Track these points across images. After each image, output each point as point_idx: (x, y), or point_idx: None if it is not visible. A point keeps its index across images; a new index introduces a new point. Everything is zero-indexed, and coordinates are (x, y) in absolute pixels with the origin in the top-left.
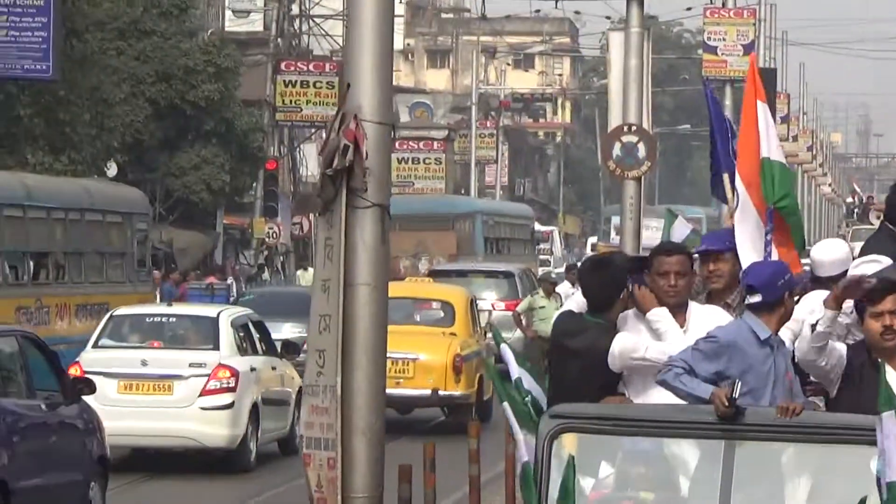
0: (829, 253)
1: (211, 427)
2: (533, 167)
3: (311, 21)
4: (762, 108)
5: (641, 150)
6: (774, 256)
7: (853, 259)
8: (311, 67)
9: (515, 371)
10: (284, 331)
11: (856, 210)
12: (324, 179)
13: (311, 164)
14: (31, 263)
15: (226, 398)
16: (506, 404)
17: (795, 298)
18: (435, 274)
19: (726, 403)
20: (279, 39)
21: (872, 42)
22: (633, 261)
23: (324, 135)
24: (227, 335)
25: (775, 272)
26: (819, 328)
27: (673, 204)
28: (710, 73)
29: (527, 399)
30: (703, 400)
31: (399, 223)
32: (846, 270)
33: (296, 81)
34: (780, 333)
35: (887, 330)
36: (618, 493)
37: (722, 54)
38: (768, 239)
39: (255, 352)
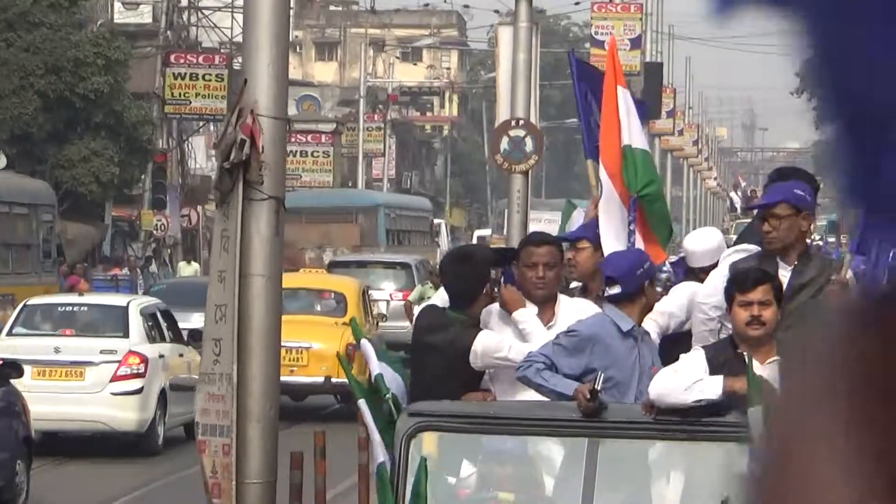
0: (700, 243)
1: (121, 412)
2: (420, 160)
3: (199, 13)
4: (623, 94)
5: (529, 145)
6: (639, 246)
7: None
8: (200, 60)
9: (375, 367)
10: (194, 320)
11: (739, 204)
12: (221, 172)
13: (199, 156)
14: None
15: (135, 384)
16: (361, 402)
17: (660, 290)
18: (335, 265)
19: (588, 397)
20: (168, 32)
21: (758, 36)
22: (498, 253)
23: (212, 127)
24: (136, 323)
25: (633, 262)
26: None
27: (559, 198)
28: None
29: (387, 396)
30: (566, 396)
31: (305, 216)
32: (718, 261)
33: (185, 74)
34: (646, 326)
35: (754, 320)
36: (479, 493)
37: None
38: (631, 229)
39: (163, 339)
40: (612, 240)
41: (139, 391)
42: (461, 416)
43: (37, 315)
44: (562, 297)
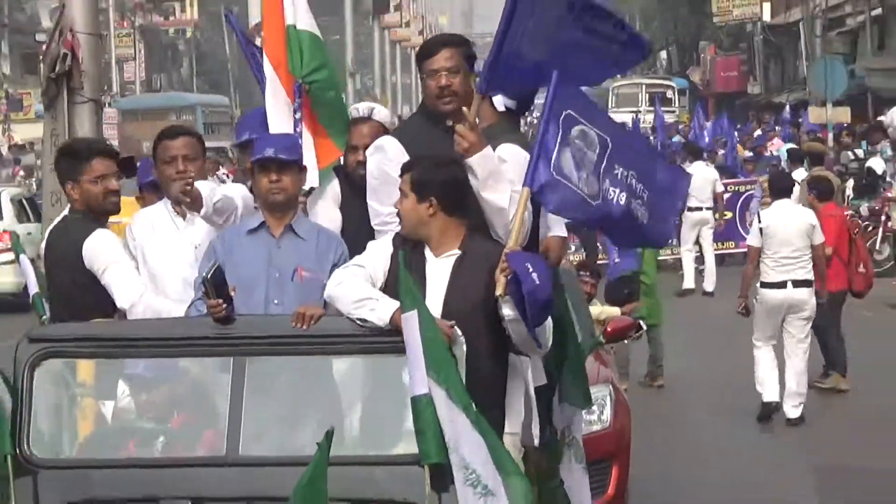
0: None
1: (2, 277)
2: (166, 62)
3: None
4: None
5: None
6: (307, 138)
7: None
8: None
9: (33, 286)
10: None
11: None
12: (48, 82)
13: None
14: None
15: (9, 255)
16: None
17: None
18: None
19: (220, 310)
20: None
21: None
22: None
23: None
24: (7, 208)
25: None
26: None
27: None
28: None
29: (44, 318)
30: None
31: (141, 115)
32: None
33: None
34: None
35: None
36: (121, 422)
37: None
38: (297, 118)
39: (29, 220)
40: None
41: (12, 261)
42: (91, 340)
43: None
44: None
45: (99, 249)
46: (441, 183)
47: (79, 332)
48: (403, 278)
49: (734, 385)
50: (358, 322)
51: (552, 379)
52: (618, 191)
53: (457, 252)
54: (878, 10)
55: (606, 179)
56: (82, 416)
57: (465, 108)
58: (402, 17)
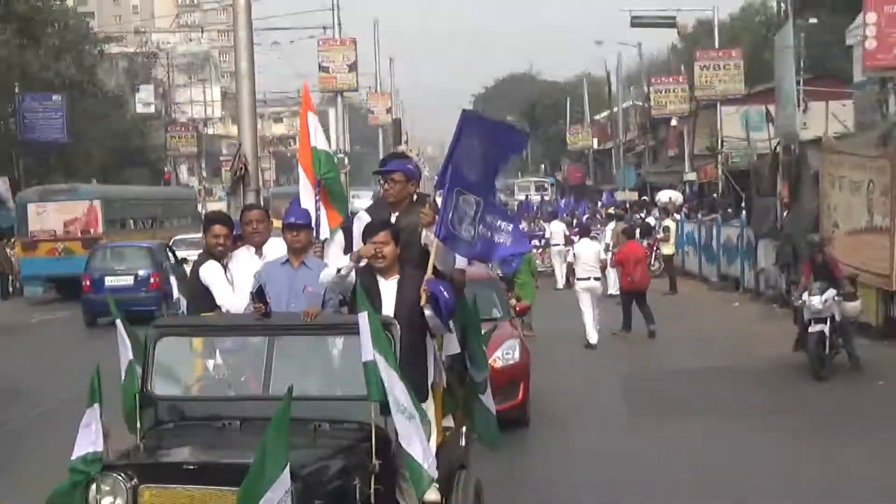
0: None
1: None
2: (288, 169)
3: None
4: (312, 117)
5: None
6: (323, 214)
7: None
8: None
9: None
10: None
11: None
12: (233, 181)
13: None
14: None
15: None
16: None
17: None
18: None
19: (261, 309)
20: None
21: None
22: None
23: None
24: None
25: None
26: (343, 272)
27: None
28: (324, 85)
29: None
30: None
31: (279, 196)
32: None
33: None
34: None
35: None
36: (206, 374)
37: (333, 72)
38: (317, 199)
39: None
40: (309, 209)
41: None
42: (191, 326)
43: None
44: (272, 240)
45: (207, 273)
46: (399, 234)
47: (177, 322)
48: (358, 293)
49: (577, 333)
50: (334, 278)
51: (463, 348)
52: (487, 231)
53: (397, 276)
54: (653, 142)
55: (480, 225)
56: (181, 370)
57: (428, 200)
58: (409, 146)
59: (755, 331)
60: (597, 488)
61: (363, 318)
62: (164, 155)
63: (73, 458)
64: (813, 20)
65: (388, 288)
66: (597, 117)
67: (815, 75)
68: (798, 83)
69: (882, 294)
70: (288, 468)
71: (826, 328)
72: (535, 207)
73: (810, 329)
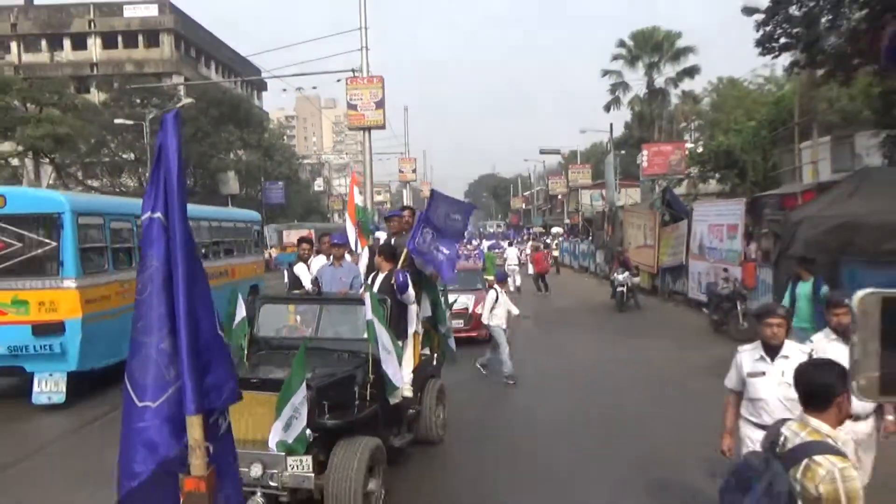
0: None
1: None
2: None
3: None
4: (356, 189)
5: None
6: (357, 240)
7: None
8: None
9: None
10: None
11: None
12: (323, 216)
13: None
14: None
15: None
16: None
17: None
18: None
19: (316, 290)
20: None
21: None
22: None
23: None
24: None
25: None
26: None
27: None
28: (353, 123)
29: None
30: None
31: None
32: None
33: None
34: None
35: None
36: (289, 325)
37: (361, 110)
38: (356, 232)
39: None
40: (350, 239)
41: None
42: (280, 299)
43: None
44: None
45: (298, 270)
46: (395, 251)
47: (271, 294)
48: (367, 286)
49: (528, 288)
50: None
51: (433, 312)
52: (439, 251)
53: (386, 272)
54: (550, 205)
55: (433, 247)
56: (273, 322)
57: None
58: (417, 175)
59: (594, 290)
60: (533, 365)
61: (367, 296)
62: (326, 209)
63: None
64: (622, 151)
65: (382, 277)
66: (525, 194)
67: (624, 177)
68: (616, 180)
69: (650, 275)
70: (305, 383)
71: (624, 290)
72: (494, 235)
73: (617, 289)
